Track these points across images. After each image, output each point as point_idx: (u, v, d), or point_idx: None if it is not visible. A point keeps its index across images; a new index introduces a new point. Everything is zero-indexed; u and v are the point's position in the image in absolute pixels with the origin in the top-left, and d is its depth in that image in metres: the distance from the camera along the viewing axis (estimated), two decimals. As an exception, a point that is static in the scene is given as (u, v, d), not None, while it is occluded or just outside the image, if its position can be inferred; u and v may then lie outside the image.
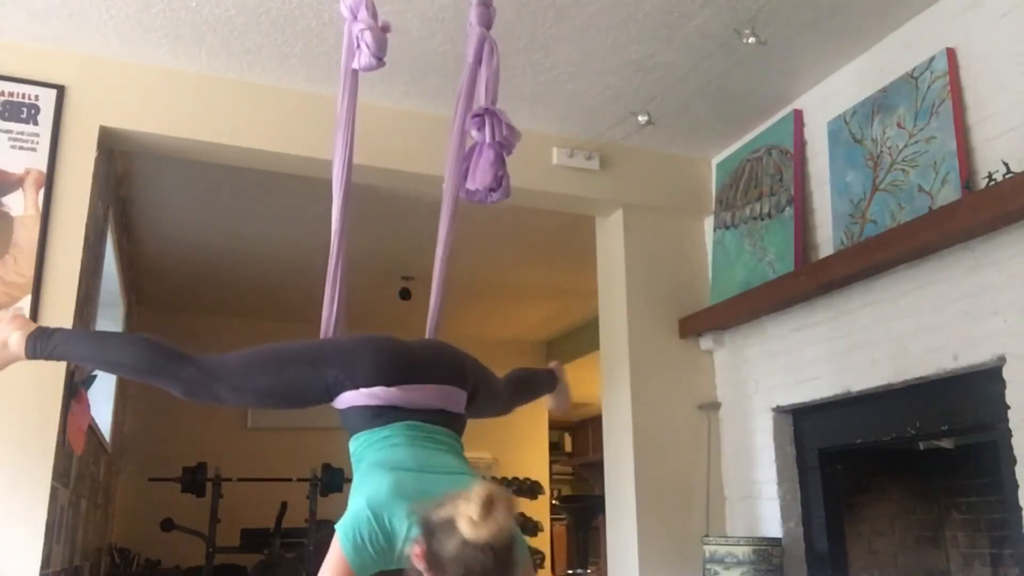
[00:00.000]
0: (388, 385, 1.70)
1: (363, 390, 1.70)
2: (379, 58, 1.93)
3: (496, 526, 1.33)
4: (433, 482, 1.55)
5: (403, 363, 1.75)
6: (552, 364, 2.50)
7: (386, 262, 4.96)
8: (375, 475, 1.58)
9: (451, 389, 1.79)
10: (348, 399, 1.72)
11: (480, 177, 2.10)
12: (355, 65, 1.96)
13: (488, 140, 2.06)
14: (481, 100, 2.11)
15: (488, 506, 1.32)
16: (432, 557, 1.38)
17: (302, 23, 2.78)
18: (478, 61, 2.13)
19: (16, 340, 1.76)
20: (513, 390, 2.20)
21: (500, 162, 2.11)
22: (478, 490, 1.35)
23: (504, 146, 2.10)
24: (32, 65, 2.84)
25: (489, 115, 2.08)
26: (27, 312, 2.63)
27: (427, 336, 2.08)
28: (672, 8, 2.72)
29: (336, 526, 1.51)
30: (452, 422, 1.79)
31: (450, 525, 1.35)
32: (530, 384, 2.36)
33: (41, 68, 2.85)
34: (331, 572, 1.48)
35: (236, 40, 2.88)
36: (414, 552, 1.41)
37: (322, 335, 1.95)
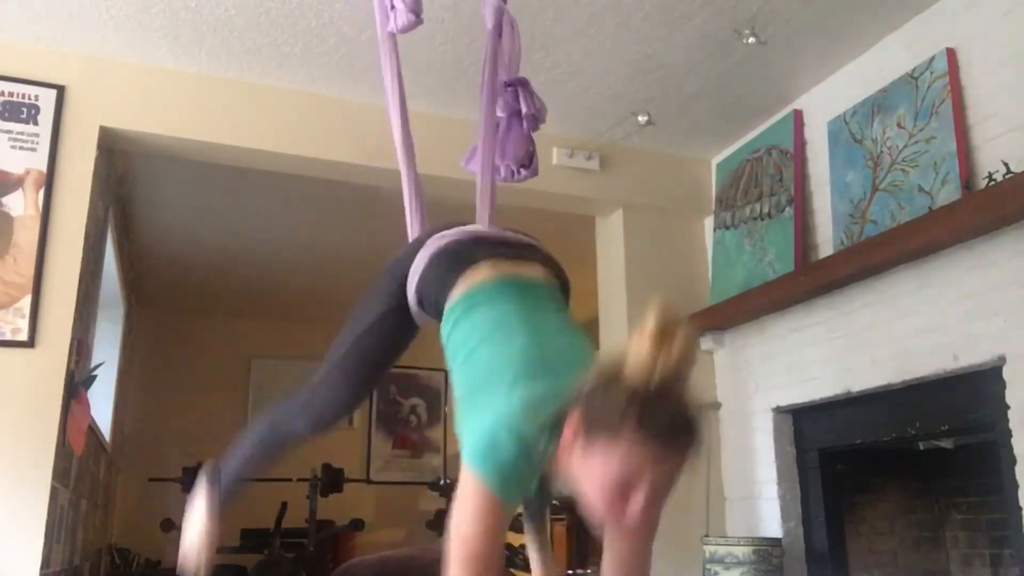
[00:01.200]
0: (464, 225, 1.52)
1: (434, 242, 1.50)
2: (417, 14, 1.82)
3: (673, 355, 1.06)
4: (570, 378, 1.22)
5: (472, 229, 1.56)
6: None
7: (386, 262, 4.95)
8: (499, 385, 1.25)
9: (534, 246, 1.58)
10: (423, 260, 1.50)
11: (511, 151, 1.97)
12: (392, 28, 1.85)
13: (525, 110, 1.96)
14: (502, 72, 2.01)
15: (665, 331, 1.05)
16: (588, 428, 1.11)
17: (302, 23, 2.78)
18: (498, 32, 1.99)
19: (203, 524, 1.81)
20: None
21: (530, 137, 2.01)
22: (654, 311, 1.06)
23: (536, 119, 1.99)
24: (32, 65, 2.85)
25: (522, 85, 1.98)
26: (27, 312, 2.64)
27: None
28: (672, 8, 2.72)
29: (467, 458, 1.20)
30: (552, 267, 1.54)
31: (612, 380, 1.09)
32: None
33: (41, 68, 2.85)
34: (479, 514, 1.17)
35: (236, 40, 2.88)
36: (564, 437, 1.15)
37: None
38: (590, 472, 1.12)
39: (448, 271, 1.46)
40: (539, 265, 1.50)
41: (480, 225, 1.63)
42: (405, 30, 1.85)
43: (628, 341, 1.08)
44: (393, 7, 1.84)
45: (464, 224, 1.60)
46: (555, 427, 1.17)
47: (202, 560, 1.77)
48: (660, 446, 1.08)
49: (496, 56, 1.98)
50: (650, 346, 1.05)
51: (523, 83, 2.00)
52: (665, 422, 1.08)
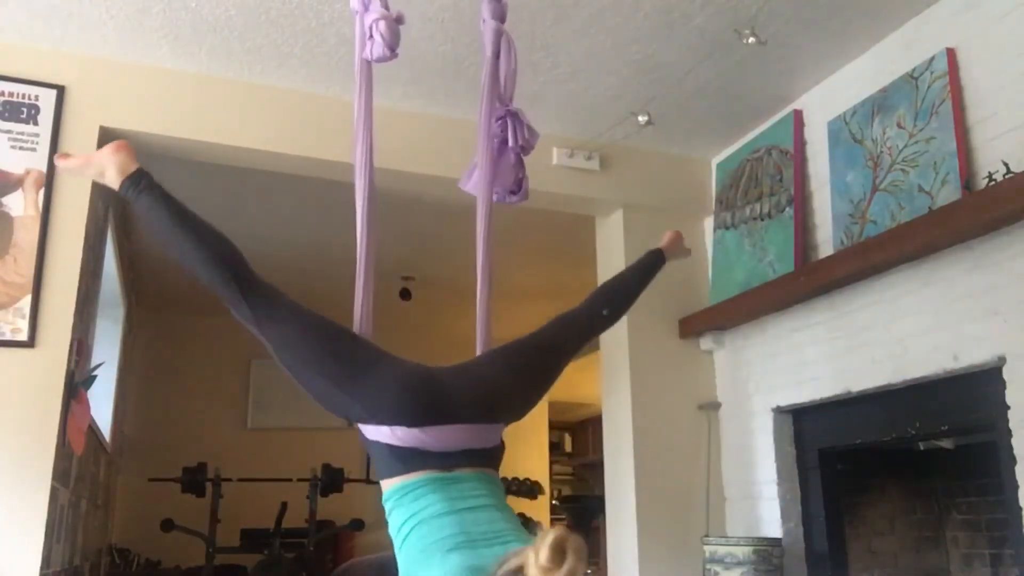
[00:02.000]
0: (410, 426, 1.60)
1: (384, 427, 1.62)
2: (392, 49, 1.87)
3: (567, 567, 1.20)
4: (489, 548, 1.46)
5: (429, 401, 1.64)
6: (665, 239, 2.38)
7: (386, 262, 4.93)
8: (432, 556, 1.47)
9: (483, 427, 1.68)
10: (370, 432, 1.65)
11: (501, 179, 2.07)
12: (367, 56, 1.89)
13: (511, 143, 2.03)
14: (503, 96, 2.08)
15: (560, 552, 1.19)
16: None
17: (302, 23, 2.78)
18: (496, 55, 2.07)
19: (112, 175, 1.75)
20: (608, 303, 2.10)
21: (520, 164, 2.09)
22: (551, 535, 1.21)
23: (525, 149, 2.07)
24: (32, 65, 2.84)
25: (511, 117, 2.05)
26: (27, 312, 2.64)
27: (478, 348, 1.96)
28: (672, 8, 2.72)
29: None
30: (487, 458, 1.69)
31: (518, 573, 1.25)
32: (633, 285, 2.22)
33: (41, 68, 2.85)
34: None
35: (236, 40, 2.88)
36: None
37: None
38: None
39: (390, 465, 1.63)
40: (474, 458, 1.66)
41: (434, 406, 1.65)
42: (379, 61, 1.90)
43: (533, 546, 1.22)
44: (371, 37, 1.88)
45: (416, 405, 1.64)
46: None
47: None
48: None
49: (495, 83, 2.06)
50: (548, 559, 1.19)
51: (512, 115, 2.06)
52: None
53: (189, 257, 1.74)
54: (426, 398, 1.65)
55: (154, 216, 1.76)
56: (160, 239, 1.78)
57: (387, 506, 1.62)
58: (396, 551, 1.57)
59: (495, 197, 2.08)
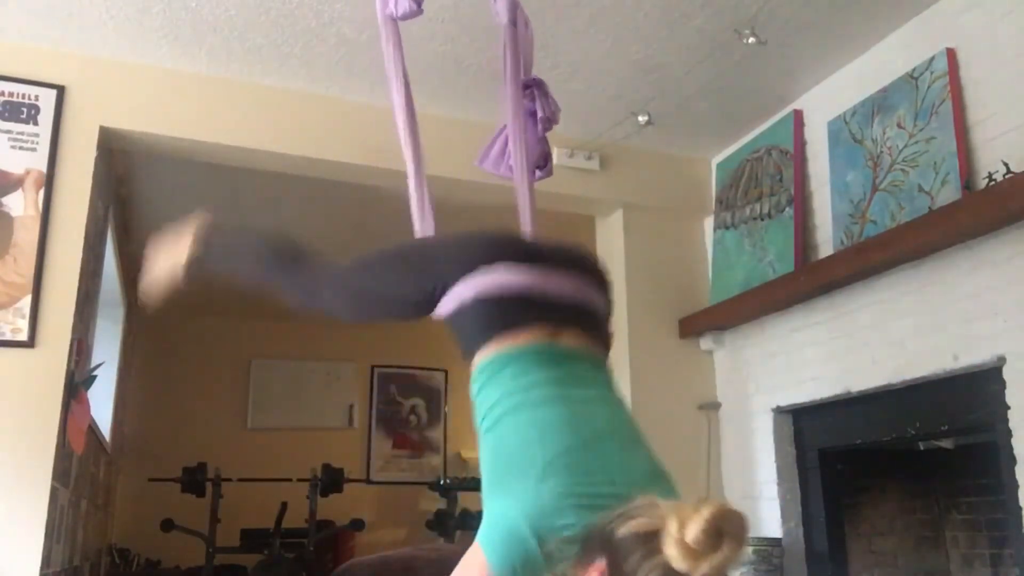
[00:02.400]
0: (515, 262, 1.34)
1: (477, 277, 1.34)
2: (419, 3, 1.81)
3: (720, 562, 0.97)
4: (606, 471, 1.19)
5: (529, 244, 1.46)
6: None
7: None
8: (529, 471, 1.19)
9: (589, 284, 1.45)
10: (457, 295, 1.37)
11: (528, 153, 1.94)
12: (392, 13, 1.83)
13: (540, 114, 1.93)
14: (527, 65, 1.99)
15: (716, 535, 0.96)
16: None
17: (302, 23, 2.78)
18: (513, 23, 1.95)
19: (183, 264, 1.74)
20: None
21: (545, 138, 1.98)
22: (708, 508, 0.98)
23: (551, 121, 1.96)
24: (32, 65, 2.84)
25: (538, 87, 1.94)
26: (27, 312, 2.64)
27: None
28: (672, 8, 2.72)
29: (482, 538, 1.17)
30: (600, 333, 1.44)
31: (649, 543, 1.00)
32: None
33: (41, 68, 2.85)
34: None
35: (236, 40, 2.88)
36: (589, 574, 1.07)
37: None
38: None
39: (484, 326, 1.36)
40: (582, 326, 1.40)
41: (535, 255, 1.43)
42: (405, 17, 1.83)
43: (678, 512, 1.00)
44: None
45: (518, 249, 1.45)
46: (579, 547, 1.10)
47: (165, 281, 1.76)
48: None
49: (517, 49, 1.92)
50: (697, 544, 0.96)
51: (539, 84, 1.97)
52: None
53: (254, 267, 1.72)
54: (526, 242, 1.48)
55: (223, 265, 1.78)
56: (236, 271, 1.78)
57: (475, 387, 1.35)
58: (480, 440, 1.29)
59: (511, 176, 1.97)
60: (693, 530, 0.95)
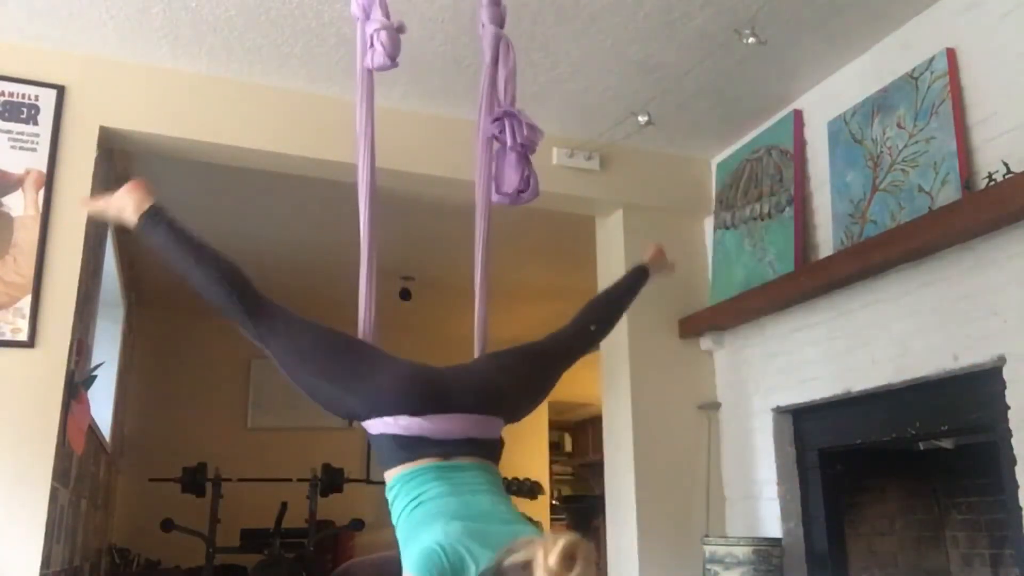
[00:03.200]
0: (413, 414, 1.66)
1: (387, 419, 1.67)
2: (393, 58, 1.90)
3: (576, 572, 1.24)
4: (494, 531, 1.49)
5: (431, 391, 1.70)
6: (647, 254, 2.44)
7: (386, 262, 4.93)
8: (434, 522, 1.52)
9: (483, 418, 1.73)
10: (374, 426, 1.70)
11: (507, 181, 2.09)
12: (368, 65, 1.93)
13: (510, 143, 2.05)
14: (501, 100, 2.09)
15: (570, 559, 1.24)
16: None
17: (302, 23, 2.78)
18: (495, 62, 2.09)
19: (131, 213, 1.84)
20: (596, 319, 2.17)
21: (525, 162, 2.10)
22: (563, 539, 1.26)
23: (526, 146, 2.08)
24: (32, 65, 2.84)
25: (508, 117, 2.06)
26: (27, 312, 2.64)
27: (476, 349, 2.00)
28: (672, 8, 2.72)
29: (406, 570, 1.48)
30: (487, 450, 1.73)
31: (526, 570, 1.27)
32: (618, 300, 2.31)
33: (41, 68, 2.85)
34: None
35: (236, 40, 2.88)
36: None
37: (360, 336, 1.90)
38: None
39: (392, 454, 1.68)
40: (475, 448, 1.70)
41: (437, 397, 1.71)
42: (379, 70, 1.93)
43: (544, 545, 1.26)
44: (372, 46, 1.91)
45: (420, 394, 1.70)
46: (488, 569, 1.38)
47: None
48: None
49: (493, 89, 2.09)
50: (558, 563, 1.24)
51: (509, 115, 2.07)
52: None
53: (198, 281, 1.81)
54: (428, 389, 1.71)
55: (165, 246, 1.83)
56: (172, 266, 1.85)
57: (390, 496, 1.66)
58: (397, 532, 1.61)
59: (507, 200, 2.11)
60: (553, 557, 1.24)
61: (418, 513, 1.57)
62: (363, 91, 1.96)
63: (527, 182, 2.11)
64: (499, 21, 2.13)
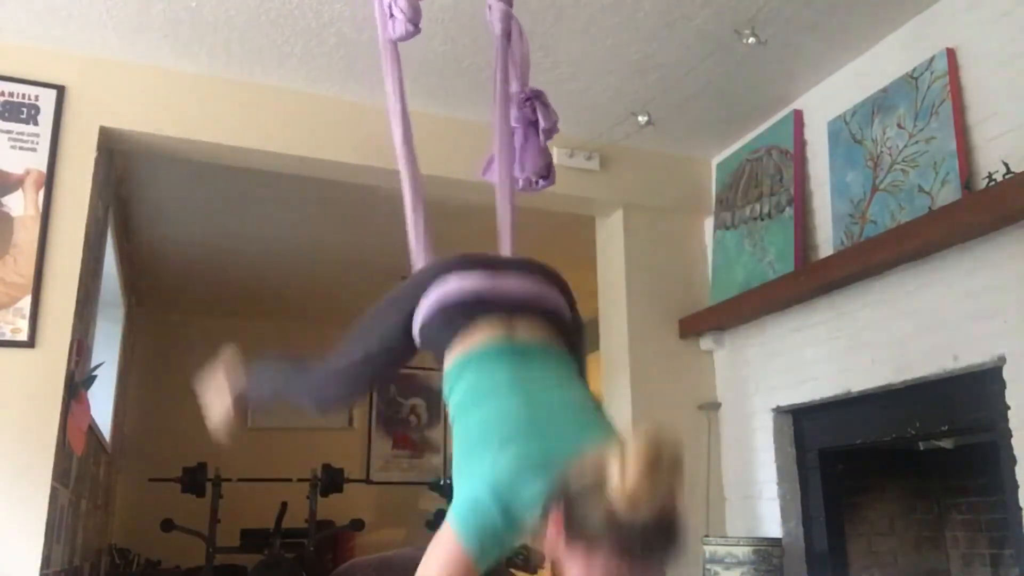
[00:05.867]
0: (468, 269, 1.49)
1: (433, 292, 1.49)
2: (415, 24, 1.85)
3: (658, 489, 1.06)
4: (559, 439, 1.27)
5: (481, 256, 1.56)
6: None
7: (386, 262, 4.95)
8: (488, 448, 1.29)
9: (547, 287, 1.57)
10: (425, 308, 1.51)
11: (531, 164, 2.01)
12: (390, 36, 1.88)
13: (543, 124, 1.99)
14: (519, 81, 2.05)
15: (653, 469, 1.05)
16: (571, 534, 1.12)
17: (302, 23, 2.78)
18: (507, 36, 2.02)
19: (229, 406, 1.89)
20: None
21: (547, 148, 2.05)
22: (640, 445, 1.07)
23: (552, 131, 2.03)
24: (32, 65, 2.84)
25: (538, 98, 2.01)
26: (27, 312, 2.64)
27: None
28: (672, 8, 2.72)
29: (450, 515, 1.27)
30: (556, 324, 1.53)
31: (597, 489, 1.08)
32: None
33: (41, 68, 2.85)
34: (445, 566, 1.23)
35: (236, 40, 2.88)
36: (548, 531, 1.17)
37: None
38: (573, 571, 1.15)
39: (446, 330, 1.49)
40: (539, 321, 1.51)
41: (487, 263, 1.58)
42: (403, 39, 1.88)
43: (616, 456, 1.08)
44: (392, 16, 1.87)
45: (471, 259, 1.58)
46: (540, 506, 1.21)
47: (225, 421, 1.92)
48: (639, 565, 1.11)
49: (507, 63, 2.01)
50: (635, 481, 1.06)
51: (539, 95, 2.03)
52: (645, 546, 1.09)
53: (281, 388, 1.85)
54: (478, 255, 1.59)
55: (274, 394, 1.91)
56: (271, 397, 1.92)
57: (445, 390, 1.48)
58: (454, 426, 1.42)
59: (520, 185, 2.03)
60: (631, 474, 1.04)
61: (473, 418, 1.36)
62: (389, 64, 1.90)
63: (548, 168, 2.04)
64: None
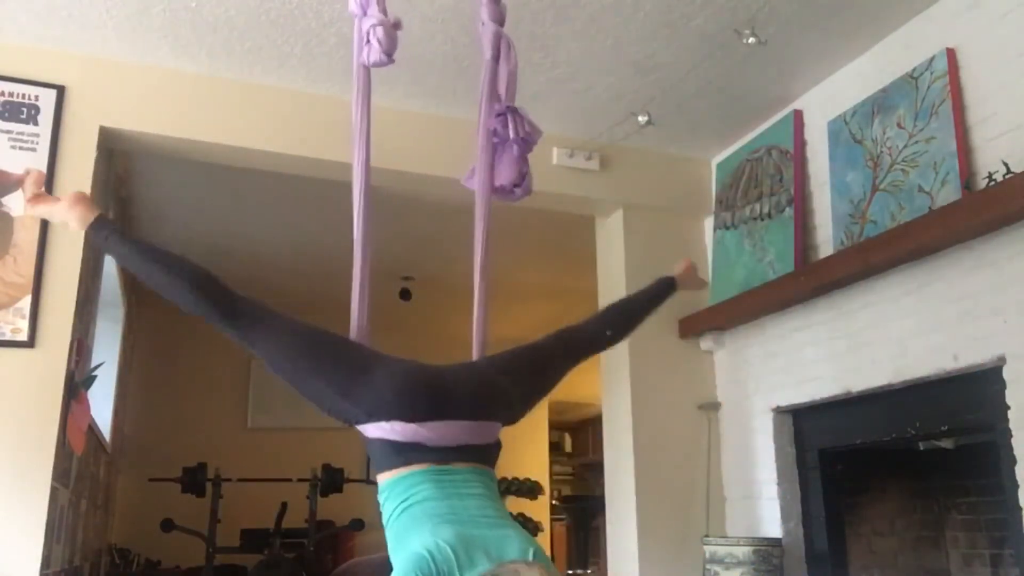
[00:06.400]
0: (408, 421, 1.64)
1: (383, 423, 1.65)
2: (389, 55, 1.89)
3: None
4: (484, 536, 1.50)
5: (427, 396, 1.67)
6: (679, 268, 2.51)
7: (386, 262, 4.96)
8: (422, 526, 1.52)
9: (480, 424, 1.71)
10: (370, 431, 1.67)
11: (505, 173, 2.09)
12: (364, 61, 1.92)
13: (512, 136, 2.05)
14: (502, 97, 2.11)
15: None
16: None
17: (302, 23, 2.78)
18: (496, 58, 2.10)
19: (75, 226, 1.86)
20: (614, 325, 2.20)
21: (523, 159, 2.11)
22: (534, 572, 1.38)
23: (527, 142, 2.09)
24: (32, 65, 2.84)
25: (511, 112, 2.07)
26: (27, 312, 2.64)
27: (475, 351, 1.98)
28: (672, 8, 2.72)
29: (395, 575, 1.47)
30: (483, 455, 1.72)
31: None
32: (640, 309, 2.34)
33: (41, 68, 2.85)
34: None
35: (236, 40, 2.88)
36: None
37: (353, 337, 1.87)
38: None
39: (386, 459, 1.66)
40: (468, 454, 1.68)
41: (431, 403, 1.69)
42: (375, 66, 1.92)
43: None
44: (368, 42, 1.90)
45: (413, 396, 1.68)
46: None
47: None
48: None
49: (494, 85, 2.09)
50: None
51: (512, 111, 2.08)
52: None
53: (168, 292, 1.77)
54: (425, 393, 1.68)
55: (123, 256, 1.84)
56: (141, 278, 1.83)
57: (381, 499, 1.65)
58: (387, 535, 1.60)
59: (500, 195, 2.11)
60: None
61: (407, 516, 1.57)
62: (359, 87, 1.95)
63: (523, 178, 2.11)
64: (499, 19, 2.14)
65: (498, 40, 2.11)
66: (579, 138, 3.51)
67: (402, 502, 1.59)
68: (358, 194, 1.91)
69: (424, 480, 1.61)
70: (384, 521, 1.63)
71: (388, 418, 1.64)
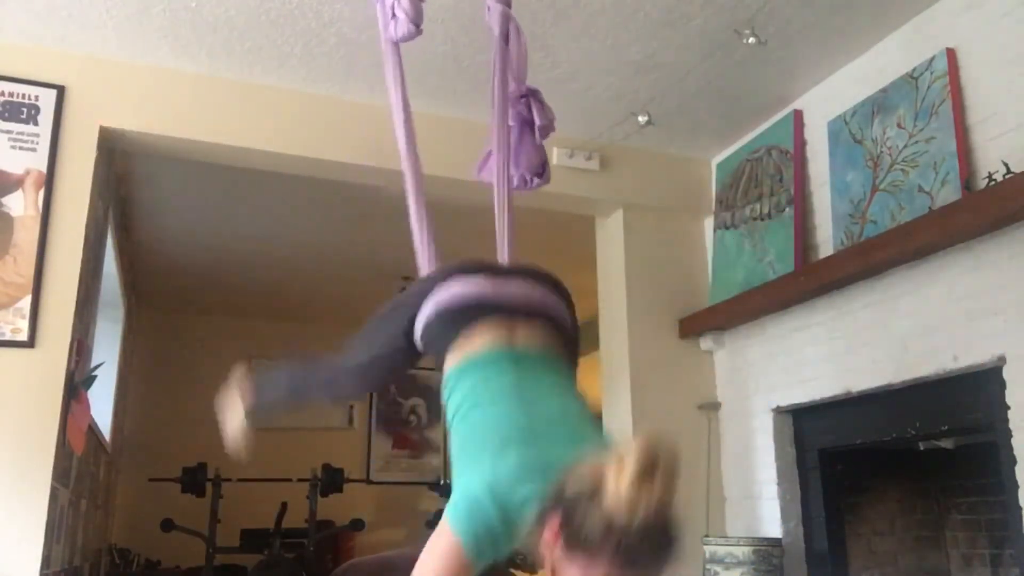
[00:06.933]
0: (469, 274, 1.50)
1: (442, 291, 1.50)
2: (417, 25, 1.87)
3: (654, 496, 1.06)
4: (557, 446, 1.28)
5: (485, 261, 1.56)
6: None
7: (386, 262, 4.96)
8: (484, 447, 1.31)
9: (549, 293, 1.56)
10: (427, 311, 1.52)
11: (525, 160, 2.03)
12: (392, 37, 1.90)
13: (538, 122, 2.01)
14: (517, 78, 2.07)
15: (647, 477, 1.05)
16: (568, 540, 1.13)
17: (302, 23, 2.78)
18: (505, 38, 2.04)
19: (240, 419, 1.92)
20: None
21: (542, 146, 2.07)
22: (636, 453, 1.06)
23: (546, 129, 2.05)
24: (32, 65, 2.84)
25: (534, 96, 2.03)
26: (27, 312, 2.64)
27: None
28: (672, 8, 2.72)
29: (448, 512, 1.27)
30: (557, 332, 1.54)
31: (594, 496, 1.09)
32: None
33: (41, 68, 2.85)
34: (441, 564, 1.24)
35: (236, 40, 2.88)
36: (545, 535, 1.17)
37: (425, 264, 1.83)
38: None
39: (447, 333, 1.50)
40: (539, 327, 1.52)
41: (490, 268, 1.59)
42: (405, 39, 1.90)
43: (613, 463, 1.09)
44: (394, 16, 1.88)
45: (474, 265, 1.58)
46: (537, 511, 1.21)
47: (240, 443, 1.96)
48: (636, 571, 1.11)
49: (505, 64, 2.03)
50: (631, 488, 1.06)
51: (535, 94, 2.05)
52: (642, 552, 1.10)
53: (291, 388, 1.90)
54: (485, 261, 1.60)
55: (271, 400, 1.93)
56: (285, 402, 1.96)
57: (444, 393, 1.48)
58: (450, 438, 1.43)
59: (516, 183, 2.05)
60: (625, 482, 1.05)
61: (473, 420, 1.37)
62: (392, 66, 1.92)
63: (543, 166, 2.06)
64: (506, 0, 2.10)
65: (506, 20, 2.04)
66: (579, 138, 3.51)
67: (468, 394, 1.40)
68: (403, 142, 1.92)
69: (494, 374, 1.41)
70: (448, 419, 1.46)
71: (442, 283, 1.52)
